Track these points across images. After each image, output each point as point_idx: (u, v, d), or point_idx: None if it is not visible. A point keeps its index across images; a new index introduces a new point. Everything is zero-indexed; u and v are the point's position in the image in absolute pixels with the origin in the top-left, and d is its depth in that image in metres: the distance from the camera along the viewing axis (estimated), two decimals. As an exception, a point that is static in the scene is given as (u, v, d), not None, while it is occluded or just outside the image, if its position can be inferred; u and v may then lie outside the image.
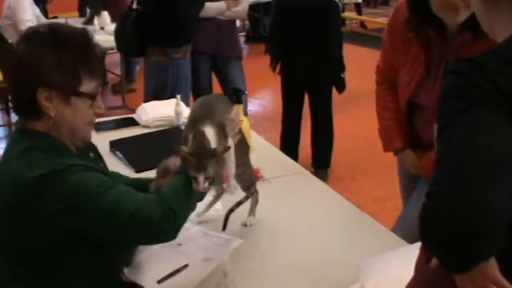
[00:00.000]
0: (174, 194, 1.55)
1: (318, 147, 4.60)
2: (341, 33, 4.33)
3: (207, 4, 3.98)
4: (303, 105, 4.50)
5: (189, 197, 1.59)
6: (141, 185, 1.78)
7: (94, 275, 1.58)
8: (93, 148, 1.78)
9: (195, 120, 1.66)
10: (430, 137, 2.07)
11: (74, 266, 1.55)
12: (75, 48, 1.52)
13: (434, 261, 1.20)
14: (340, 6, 4.20)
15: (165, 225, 1.49)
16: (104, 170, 1.62)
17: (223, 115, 1.71)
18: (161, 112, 2.97)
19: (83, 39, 1.56)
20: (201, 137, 1.61)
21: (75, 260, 1.54)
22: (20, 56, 1.54)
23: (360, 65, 8.56)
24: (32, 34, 1.54)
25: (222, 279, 1.52)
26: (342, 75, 4.32)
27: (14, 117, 5.71)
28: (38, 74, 1.50)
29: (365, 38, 10.15)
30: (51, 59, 1.50)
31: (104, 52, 1.65)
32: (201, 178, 1.55)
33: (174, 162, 1.74)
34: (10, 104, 5.70)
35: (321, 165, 4.56)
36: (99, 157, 1.79)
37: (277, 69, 4.38)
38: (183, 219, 1.56)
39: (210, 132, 1.63)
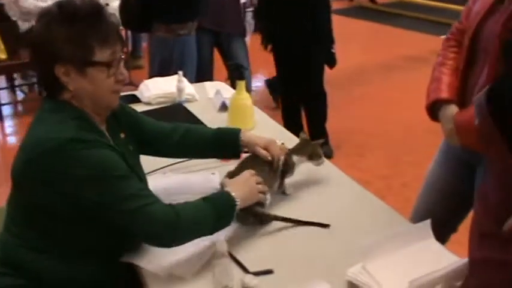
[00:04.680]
0: (191, 211, 1.59)
1: (313, 123, 4.54)
2: (329, 5, 4.22)
3: (212, -20, 3.91)
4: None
5: (204, 220, 1.61)
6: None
7: (99, 248, 1.63)
8: (125, 127, 1.81)
9: None
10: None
11: (80, 235, 1.59)
12: (82, 19, 1.55)
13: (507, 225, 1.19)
14: None
15: (165, 232, 1.54)
16: (127, 160, 1.64)
17: None
18: (163, 89, 2.92)
19: (91, 9, 1.57)
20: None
21: (81, 229, 1.58)
22: (33, 36, 1.58)
23: (367, 40, 8.52)
24: (43, 13, 1.58)
25: (219, 258, 1.49)
26: (332, 49, 4.25)
27: (19, 95, 5.71)
28: (51, 51, 1.53)
29: (374, 13, 10.02)
30: (60, 34, 1.52)
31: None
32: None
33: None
34: (16, 82, 5.70)
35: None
36: (130, 138, 1.82)
37: (269, 47, 4.33)
38: (185, 234, 1.58)
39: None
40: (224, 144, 1.97)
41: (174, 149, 1.99)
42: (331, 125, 4.58)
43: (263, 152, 1.92)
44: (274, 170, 1.92)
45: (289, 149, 2.03)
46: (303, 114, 4.53)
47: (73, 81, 1.56)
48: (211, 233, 1.64)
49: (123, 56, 1.63)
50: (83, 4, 1.57)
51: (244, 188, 1.73)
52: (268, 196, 1.85)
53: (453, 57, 2.11)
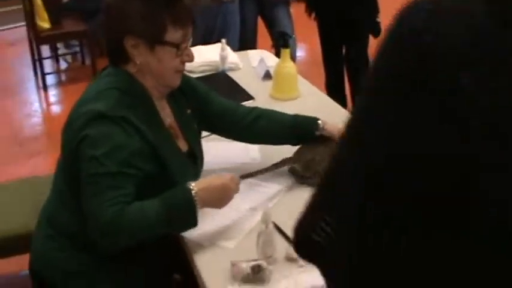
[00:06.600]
0: (139, 216, 1.46)
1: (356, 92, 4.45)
2: None
3: None
4: (343, 50, 4.34)
5: (151, 226, 1.48)
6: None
7: None
8: (192, 104, 1.79)
9: None
10: None
11: None
12: None
13: None
14: None
15: (104, 233, 1.45)
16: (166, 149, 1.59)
17: None
18: (206, 57, 2.87)
19: None
20: None
21: None
22: (108, 4, 1.60)
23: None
24: None
25: (263, 228, 1.46)
26: (378, 19, 4.14)
27: (62, 65, 5.75)
28: (124, 22, 1.55)
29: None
30: (137, 8, 1.53)
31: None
32: None
33: None
34: (59, 52, 5.74)
35: None
36: (195, 115, 1.80)
37: (313, 15, 4.23)
38: (123, 237, 1.48)
39: None
40: (302, 134, 1.87)
41: (242, 132, 1.89)
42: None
43: None
44: None
45: None
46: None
47: (140, 56, 1.56)
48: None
49: (191, 39, 1.63)
50: None
51: (215, 194, 1.57)
52: None
53: None
